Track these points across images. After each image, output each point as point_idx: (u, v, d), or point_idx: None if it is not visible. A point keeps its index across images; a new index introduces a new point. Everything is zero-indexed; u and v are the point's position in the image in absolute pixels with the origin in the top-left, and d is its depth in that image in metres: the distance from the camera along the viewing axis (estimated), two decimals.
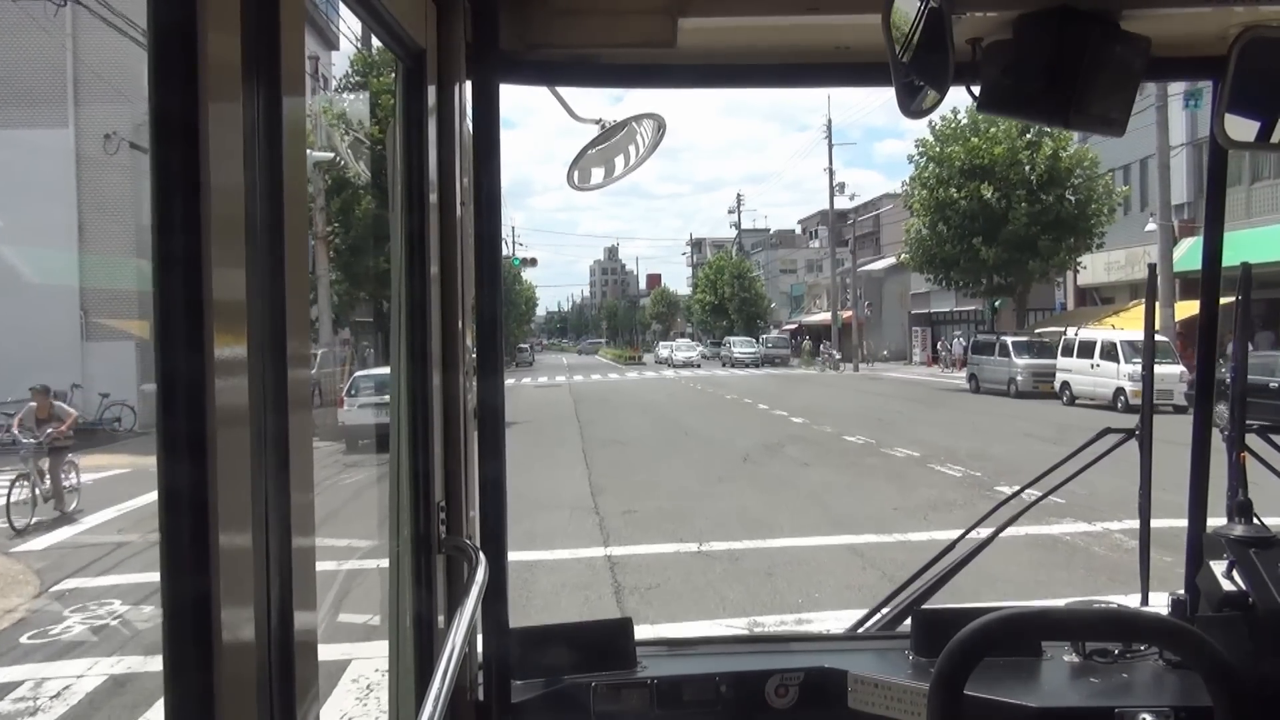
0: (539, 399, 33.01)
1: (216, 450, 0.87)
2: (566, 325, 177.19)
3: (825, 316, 61.30)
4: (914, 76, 1.72)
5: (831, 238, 58.69)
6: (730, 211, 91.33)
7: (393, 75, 2.02)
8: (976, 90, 1.83)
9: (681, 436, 20.59)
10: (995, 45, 1.83)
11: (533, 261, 61.53)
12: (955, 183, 33.24)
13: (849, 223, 62.89)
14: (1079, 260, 33.90)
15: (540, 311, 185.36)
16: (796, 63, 2.08)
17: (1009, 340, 30.58)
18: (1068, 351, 26.73)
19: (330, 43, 28.41)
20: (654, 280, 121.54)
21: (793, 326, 69.99)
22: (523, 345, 78.12)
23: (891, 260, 58.02)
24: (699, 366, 58.90)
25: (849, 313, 54.38)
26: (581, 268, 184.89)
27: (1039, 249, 32.34)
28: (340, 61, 31.14)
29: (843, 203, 60.93)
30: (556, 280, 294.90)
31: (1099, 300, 36.90)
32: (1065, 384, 26.62)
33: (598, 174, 2.23)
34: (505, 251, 61.50)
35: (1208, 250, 2.21)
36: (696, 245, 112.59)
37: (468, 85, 1.86)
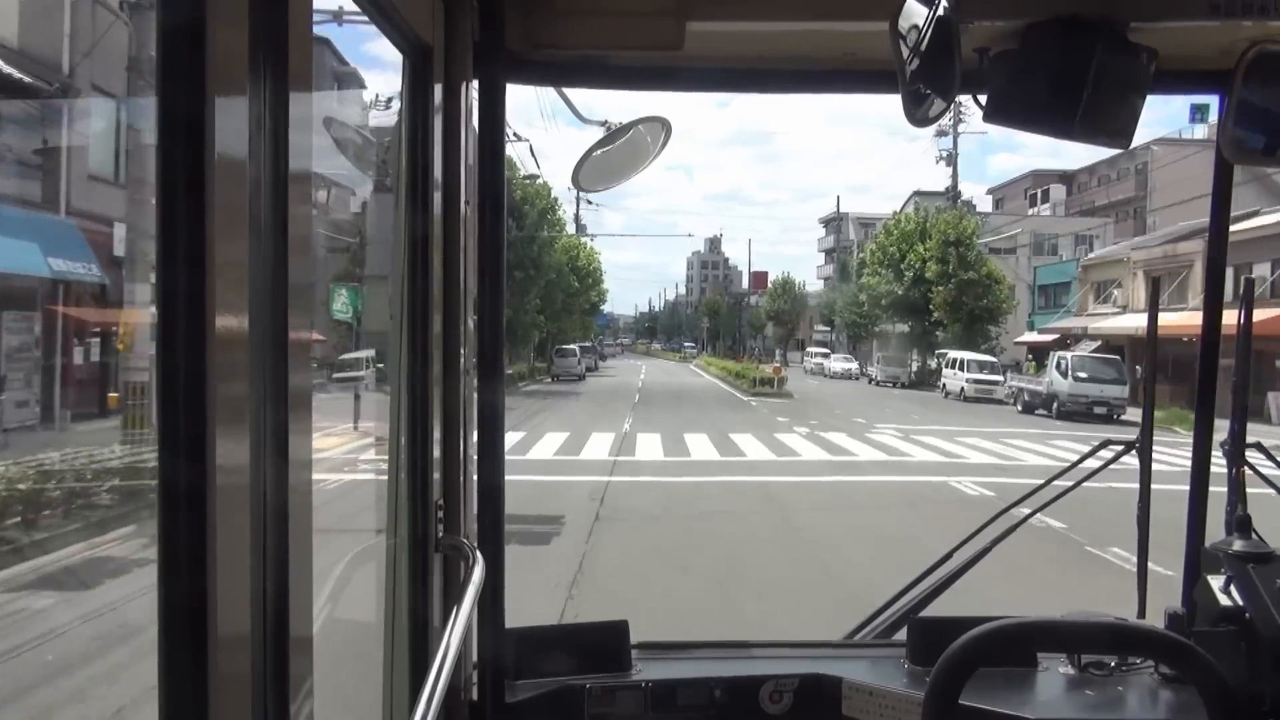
0: None
1: (215, 445, 0.88)
2: (657, 325, 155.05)
3: (1129, 321, 31.60)
4: (921, 84, 1.72)
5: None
6: (941, 146, 51.14)
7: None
8: (983, 99, 1.83)
9: None
10: (1002, 55, 1.83)
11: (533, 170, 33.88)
12: None
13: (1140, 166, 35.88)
14: None
15: (629, 310, 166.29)
16: (804, 69, 2.10)
17: None
18: None
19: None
20: (760, 279, 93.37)
21: (1050, 337, 39.09)
22: (564, 346, 48.40)
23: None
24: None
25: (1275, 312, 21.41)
26: (678, 269, 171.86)
27: None
28: None
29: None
30: (651, 281, 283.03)
31: None
32: None
33: (604, 176, 2.25)
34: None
35: (1211, 266, 2.28)
36: (835, 223, 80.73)
37: (474, 85, 1.86)
